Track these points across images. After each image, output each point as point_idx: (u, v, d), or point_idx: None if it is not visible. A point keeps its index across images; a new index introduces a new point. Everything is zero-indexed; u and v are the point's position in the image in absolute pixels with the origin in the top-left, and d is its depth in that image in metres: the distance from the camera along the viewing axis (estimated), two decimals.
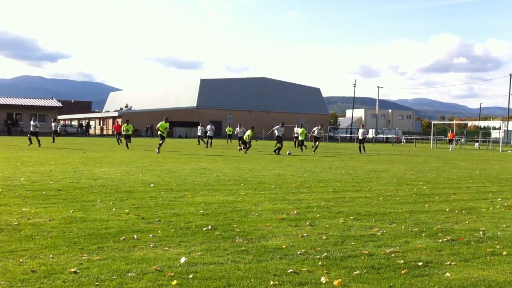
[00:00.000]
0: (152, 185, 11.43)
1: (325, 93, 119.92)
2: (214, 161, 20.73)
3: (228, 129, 46.88)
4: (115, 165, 16.94)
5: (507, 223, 7.77)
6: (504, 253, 5.76)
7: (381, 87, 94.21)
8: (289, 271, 4.89)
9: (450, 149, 45.29)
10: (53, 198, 9.06)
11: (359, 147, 32.55)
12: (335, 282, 4.55)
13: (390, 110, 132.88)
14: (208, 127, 37.32)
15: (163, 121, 26.74)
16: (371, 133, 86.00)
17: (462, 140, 62.19)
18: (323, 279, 4.63)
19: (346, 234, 6.67)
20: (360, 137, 33.08)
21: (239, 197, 9.85)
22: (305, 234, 6.55)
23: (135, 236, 6.15)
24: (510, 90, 74.24)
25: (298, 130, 34.71)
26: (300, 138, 32.99)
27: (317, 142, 31.19)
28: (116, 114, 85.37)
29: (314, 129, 32.19)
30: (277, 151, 27.18)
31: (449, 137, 48.64)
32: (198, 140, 40.58)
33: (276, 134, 28.41)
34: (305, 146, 32.90)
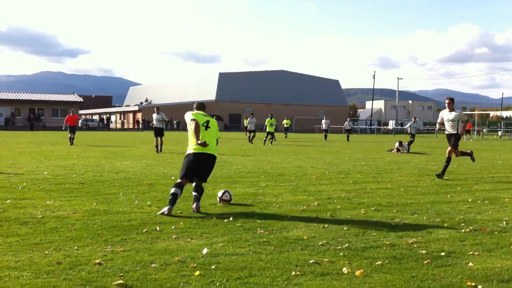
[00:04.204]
0: (173, 177, 11.49)
1: (344, 85, 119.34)
2: (233, 153, 20.75)
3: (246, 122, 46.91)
4: (137, 159, 17.08)
5: None
6: None
7: (401, 78, 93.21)
8: (310, 261, 4.89)
9: (466, 140, 44.43)
10: (76, 191, 9.17)
11: (347, 137, 37.09)
12: (357, 273, 4.54)
13: (410, 101, 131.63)
14: (249, 119, 33.05)
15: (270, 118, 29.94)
16: (391, 125, 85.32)
17: (484, 130, 61.32)
18: (344, 270, 4.62)
19: (367, 225, 6.65)
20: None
21: (260, 189, 9.87)
22: (326, 225, 6.54)
23: (158, 228, 6.21)
24: None
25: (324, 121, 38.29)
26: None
27: None
28: (136, 108, 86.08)
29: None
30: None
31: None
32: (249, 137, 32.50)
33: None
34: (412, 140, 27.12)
